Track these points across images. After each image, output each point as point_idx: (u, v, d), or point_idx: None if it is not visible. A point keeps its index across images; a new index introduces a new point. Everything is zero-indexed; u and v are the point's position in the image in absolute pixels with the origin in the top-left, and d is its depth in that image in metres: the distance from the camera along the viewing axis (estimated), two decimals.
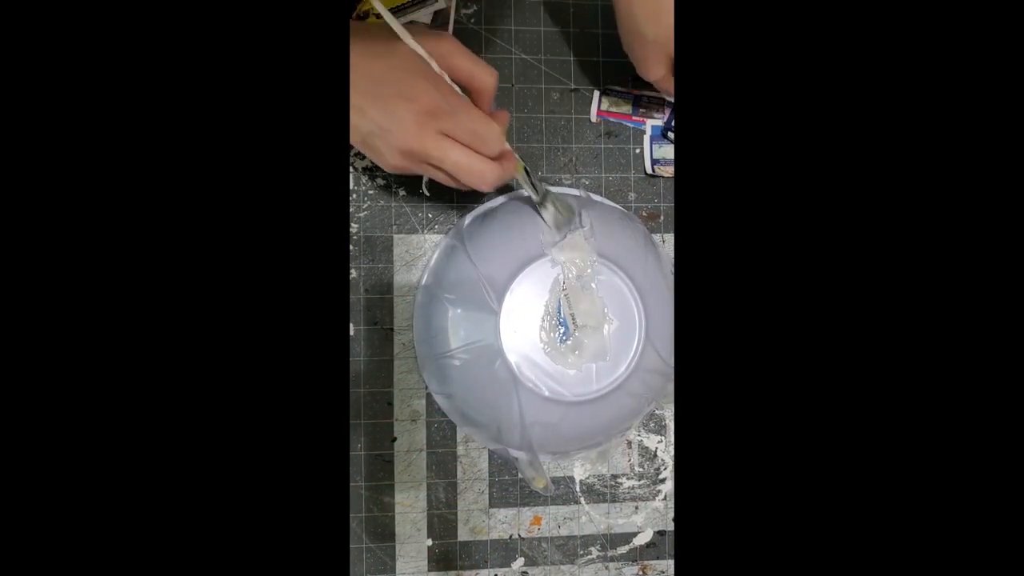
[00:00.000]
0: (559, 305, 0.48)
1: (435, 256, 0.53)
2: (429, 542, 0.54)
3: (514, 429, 0.48)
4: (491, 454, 0.55)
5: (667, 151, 0.56)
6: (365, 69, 0.40)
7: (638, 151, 0.56)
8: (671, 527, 0.56)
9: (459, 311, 0.49)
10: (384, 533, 0.54)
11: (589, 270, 0.48)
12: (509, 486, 0.55)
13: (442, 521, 0.54)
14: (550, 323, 0.48)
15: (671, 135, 0.55)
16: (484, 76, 0.43)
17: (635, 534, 0.56)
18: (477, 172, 0.42)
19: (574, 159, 0.56)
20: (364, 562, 0.53)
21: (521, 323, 0.48)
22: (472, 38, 0.54)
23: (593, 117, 0.56)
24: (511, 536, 0.55)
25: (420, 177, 0.54)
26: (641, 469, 0.56)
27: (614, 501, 0.56)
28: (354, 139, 0.42)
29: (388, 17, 0.41)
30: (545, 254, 0.48)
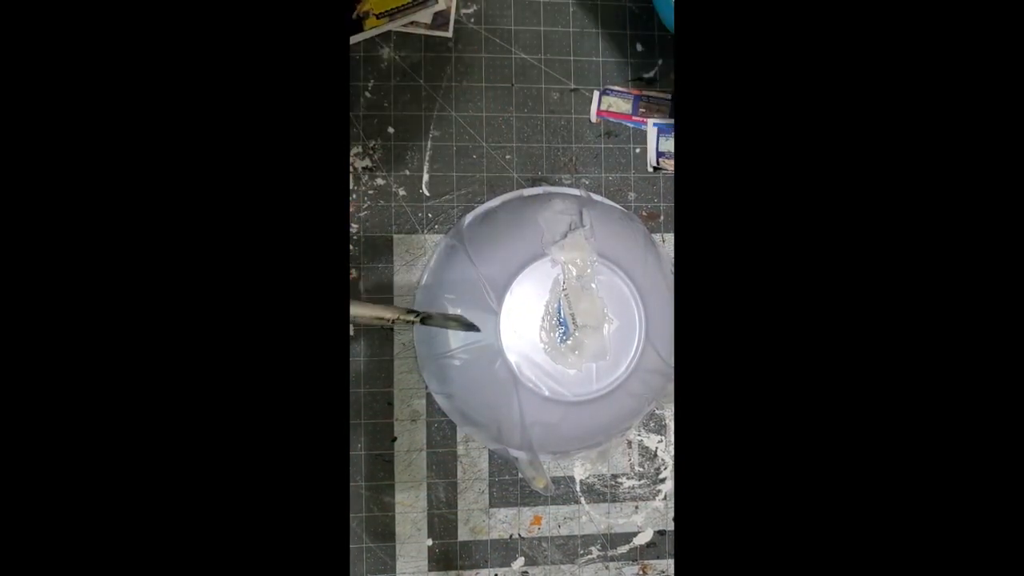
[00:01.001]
0: (559, 305, 0.48)
1: (435, 256, 0.53)
2: (429, 542, 0.54)
3: (514, 429, 0.48)
4: (491, 454, 0.55)
5: (670, 145, 0.56)
6: None
7: (638, 151, 0.56)
8: (671, 527, 0.56)
9: (459, 311, 0.49)
10: (384, 533, 0.54)
11: (589, 270, 0.48)
12: (509, 486, 0.55)
13: (442, 521, 0.54)
14: (550, 323, 0.48)
15: None
16: None
17: (635, 534, 0.56)
18: None
19: (574, 159, 0.56)
20: (364, 562, 0.53)
21: (521, 323, 0.48)
22: (472, 38, 0.55)
23: (593, 117, 0.56)
24: (511, 536, 0.55)
25: (420, 177, 0.54)
26: (641, 469, 0.56)
27: (614, 501, 0.56)
28: None
29: None
30: (545, 254, 0.48)
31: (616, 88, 0.56)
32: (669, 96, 0.56)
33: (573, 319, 0.48)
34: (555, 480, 0.55)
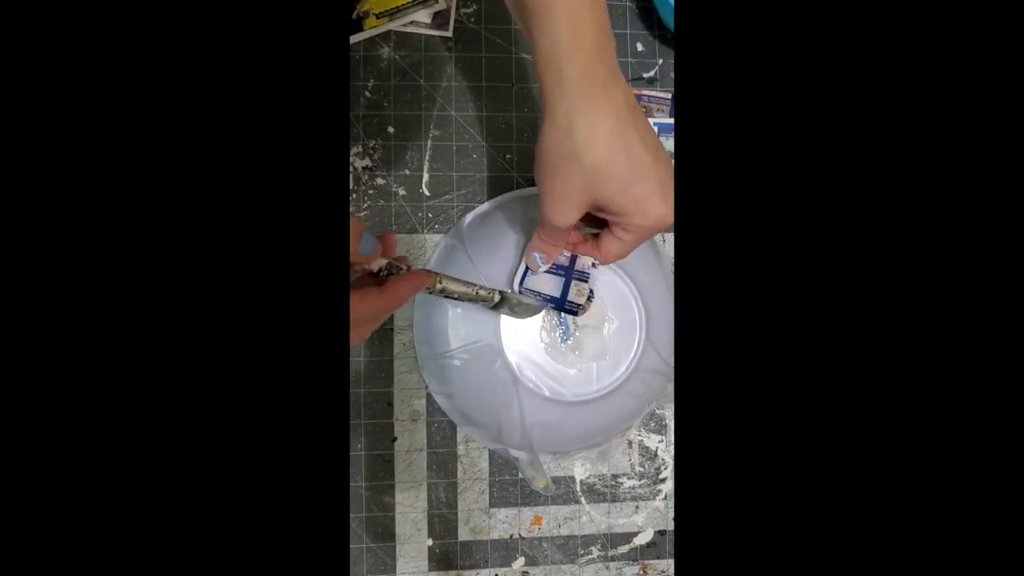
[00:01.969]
0: None
1: (435, 256, 0.53)
2: (430, 542, 0.54)
3: (514, 429, 0.48)
4: (491, 454, 0.55)
5: (669, 145, 0.56)
6: None
7: None
8: (671, 527, 0.56)
9: (459, 311, 0.49)
10: (384, 533, 0.54)
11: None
12: (509, 486, 0.55)
13: (442, 521, 0.54)
14: (550, 323, 0.48)
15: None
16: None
17: (635, 534, 0.56)
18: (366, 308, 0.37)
19: None
20: (364, 562, 0.53)
21: (521, 323, 0.48)
22: (472, 38, 0.54)
23: None
24: (511, 536, 0.55)
25: (420, 176, 0.54)
26: (641, 469, 0.56)
27: (614, 501, 0.56)
28: None
29: None
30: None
31: None
32: (669, 96, 0.56)
33: (573, 319, 0.48)
34: (555, 480, 0.55)
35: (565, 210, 0.39)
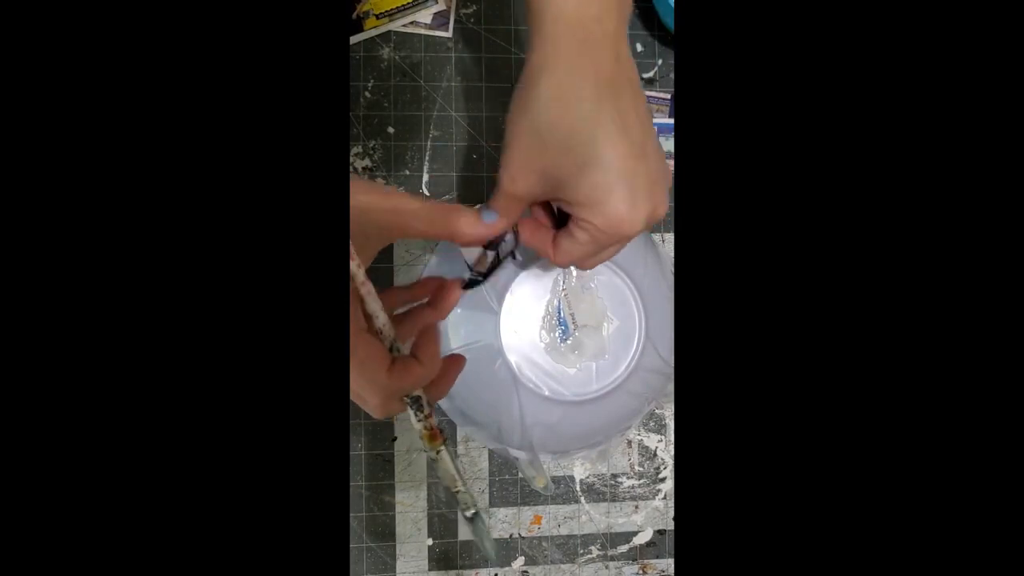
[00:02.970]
0: (559, 305, 0.48)
1: (435, 256, 0.53)
2: (430, 541, 0.54)
3: (514, 429, 0.48)
4: (491, 453, 0.55)
5: (669, 146, 0.56)
6: None
7: None
8: (671, 526, 0.56)
9: (459, 311, 0.49)
10: (384, 533, 0.54)
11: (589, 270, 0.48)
12: (509, 485, 0.55)
13: (442, 520, 0.54)
14: (550, 323, 0.48)
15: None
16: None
17: (635, 533, 0.56)
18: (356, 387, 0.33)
19: None
20: (364, 562, 0.53)
21: (521, 323, 0.48)
22: (472, 38, 0.54)
23: None
24: (511, 535, 0.55)
25: (420, 177, 0.54)
26: (641, 468, 0.56)
27: (614, 500, 0.56)
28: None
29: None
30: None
31: None
32: (669, 96, 0.56)
33: (573, 319, 0.48)
34: (555, 480, 0.55)
35: (514, 173, 0.33)
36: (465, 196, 0.54)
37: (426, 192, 0.54)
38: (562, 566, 0.55)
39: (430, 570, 0.54)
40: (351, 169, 0.53)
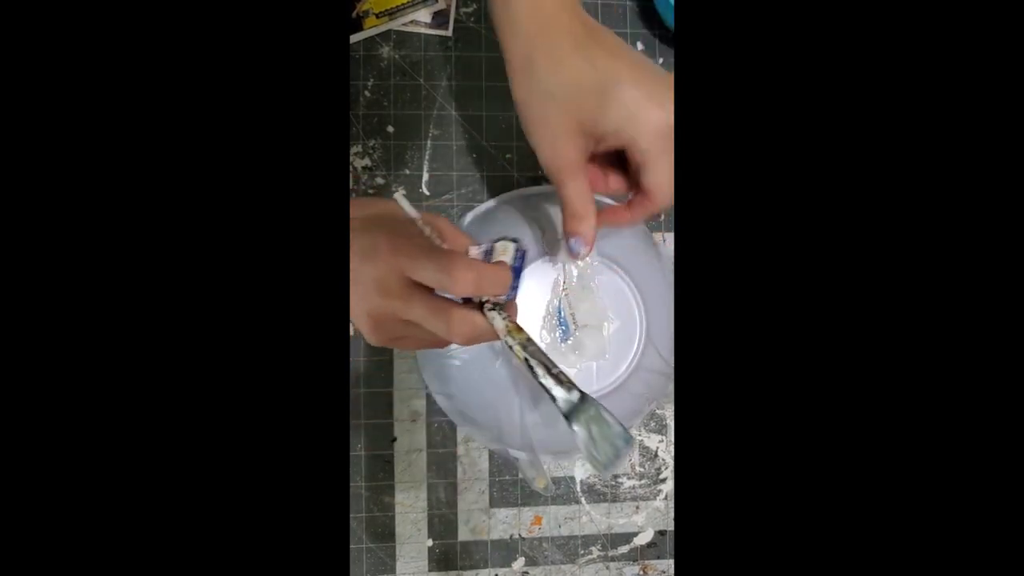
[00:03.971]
0: (559, 305, 0.48)
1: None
2: (429, 542, 0.54)
3: (515, 429, 0.48)
4: (491, 454, 0.54)
5: None
6: None
7: None
8: (672, 527, 0.56)
9: None
10: (384, 533, 0.54)
11: (589, 270, 0.48)
12: (509, 486, 0.55)
13: (442, 521, 0.54)
14: (550, 323, 0.48)
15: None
16: (460, 240, 0.36)
17: (636, 534, 0.56)
18: (443, 316, 0.33)
19: None
20: (364, 562, 0.53)
21: (521, 323, 0.47)
22: (472, 37, 0.54)
23: None
24: (512, 536, 0.55)
25: (420, 176, 0.54)
26: (642, 469, 0.56)
27: (615, 501, 0.56)
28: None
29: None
30: (546, 254, 0.48)
31: None
32: None
33: (573, 319, 0.48)
34: (555, 480, 0.55)
35: (558, 147, 0.36)
36: (465, 195, 0.54)
37: (426, 192, 0.54)
38: (563, 567, 0.55)
39: (430, 571, 0.54)
40: (351, 169, 0.53)
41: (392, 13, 0.53)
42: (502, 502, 0.55)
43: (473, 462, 0.54)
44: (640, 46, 0.56)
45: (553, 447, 0.52)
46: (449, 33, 0.54)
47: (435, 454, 0.54)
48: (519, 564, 0.55)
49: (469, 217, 0.53)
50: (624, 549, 0.56)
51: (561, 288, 0.48)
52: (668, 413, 0.56)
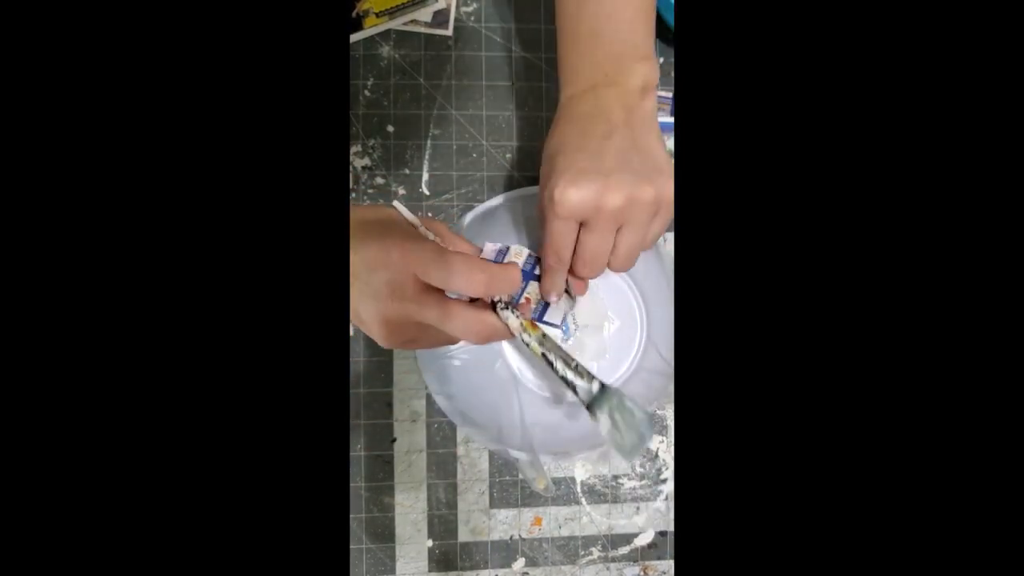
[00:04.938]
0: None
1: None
2: (429, 543, 0.54)
3: (515, 430, 0.48)
4: (491, 455, 0.54)
5: (670, 144, 0.55)
6: None
7: None
8: (672, 527, 0.56)
9: None
10: (384, 534, 0.53)
11: None
12: (510, 487, 0.55)
13: (442, 522, 0.54)
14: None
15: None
16: (461, 244, 0.39)
17: (636, 535, 0.56)
18: (457, 317, 0.34)
19: None
20: (364, 562, 0.53)
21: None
22: (472, 37, 0.54)
23: None
24: (512, 537, 0.55)
25: (420, 176, 0.54)
26: (642, 470, 0.56)
27: (615, 502, 0.56)
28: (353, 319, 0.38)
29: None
30: None
31: None
32: (669, 96, 0.56)
33: (574, 319, 0.48)
34: (556, 481, 0.55)
35: (564, 186, 0.39)
36: (465, 194, 0.54)
37: (426, 191, 0.54)
38: (563, 568, 0.55)
39: (430, 571, 0.54)
40: (350, 168, 0.53)
41: (392, 12, 0.53)
42: (502, 503, 0.54)
43: (473, 463, 0.54)
44: None
45: (553, 447, 0.52)
46: (449, 33, 0.54)
47: (435, 454, 0.54)
48: (519, 565, 0.55)
49: (469, 217, 0.53)
50: (624, 550, 0.56)
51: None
52: (669, 414, 0.56)
